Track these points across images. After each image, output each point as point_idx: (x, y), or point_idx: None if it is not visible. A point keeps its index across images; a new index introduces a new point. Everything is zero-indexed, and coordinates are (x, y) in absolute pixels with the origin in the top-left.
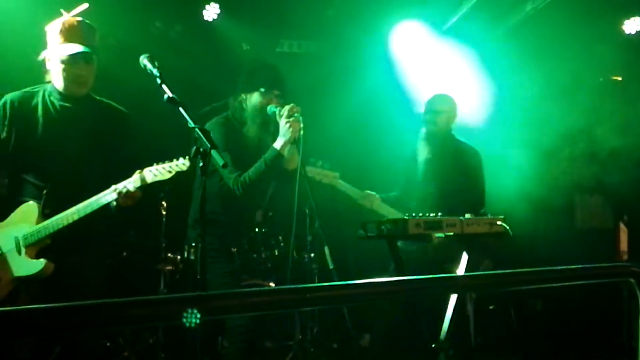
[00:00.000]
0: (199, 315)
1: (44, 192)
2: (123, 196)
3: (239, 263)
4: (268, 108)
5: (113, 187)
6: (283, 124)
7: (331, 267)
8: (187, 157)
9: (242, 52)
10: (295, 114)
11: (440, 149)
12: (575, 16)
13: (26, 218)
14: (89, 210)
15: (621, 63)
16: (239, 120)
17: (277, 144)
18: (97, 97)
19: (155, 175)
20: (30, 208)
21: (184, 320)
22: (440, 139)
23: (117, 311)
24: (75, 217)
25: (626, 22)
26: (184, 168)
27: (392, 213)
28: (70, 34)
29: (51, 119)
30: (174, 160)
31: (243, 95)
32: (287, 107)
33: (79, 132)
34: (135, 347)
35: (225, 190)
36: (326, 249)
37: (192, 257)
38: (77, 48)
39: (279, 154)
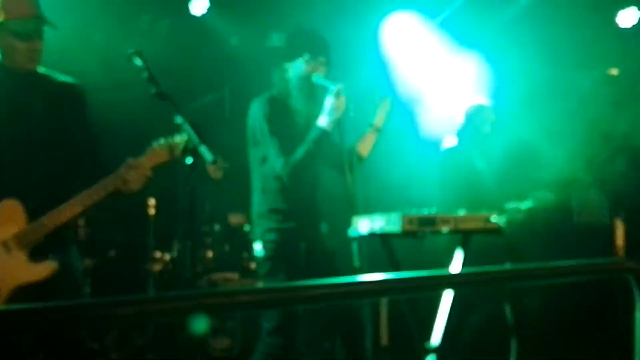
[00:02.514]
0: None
1: (15, 184)
2: (134, 174)
3: (304, 261)
4: (314, 77)
5: (121, 169)
6: (330, 102)
7: (357, 265)
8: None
9: (231, 46)
10: (342, 93)
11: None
12: (570, 9)
13: (9, 217)
14: (95, 199)
15: (617, 57)
16: (284, 94)
17: (322, 122)
18: (44, 71)
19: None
20: (10, 206)
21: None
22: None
23: (104, 310)
24: (80, 209)
25: (620, 15)
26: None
27: None
28: (15, 7)
29: (3, 99)
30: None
31: (286, 65)
32: (337, 86)
33: (37, 109)
34: (123, 349)
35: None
36: (354, 245)
37: (260, 255)
38: (30, 22)
39: (324, 132)
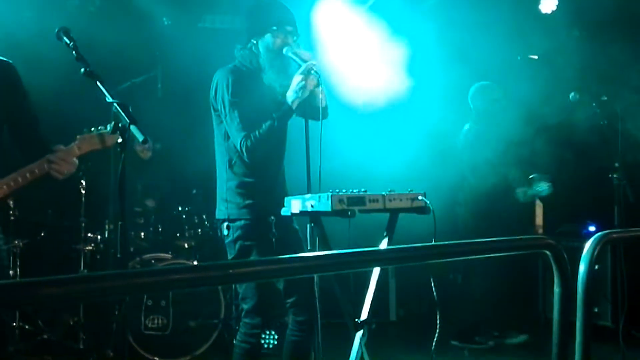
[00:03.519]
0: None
1: None
2: (61, 162)
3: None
4: (285, 50)
5: (49, 155)
6: (298, 80)
7: (308, 248)
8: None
9: (163, 26)
10: (312, 72)
11: None
12: None
13: None
14: (21, 183)
15: (538, 42)
16: (250, 67)
17: (288, 99)
18: None
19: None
20: None
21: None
22: None
23: (33, 291)
24: (5, 191)
25: (542, 1)
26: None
27: None
28: None
29: None
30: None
31: (253, 40)
32: (307, 64)
33: None
34: (55, 329)
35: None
36: (308, 230)
37: (228, 236)
38: None
39: (289, 110)
